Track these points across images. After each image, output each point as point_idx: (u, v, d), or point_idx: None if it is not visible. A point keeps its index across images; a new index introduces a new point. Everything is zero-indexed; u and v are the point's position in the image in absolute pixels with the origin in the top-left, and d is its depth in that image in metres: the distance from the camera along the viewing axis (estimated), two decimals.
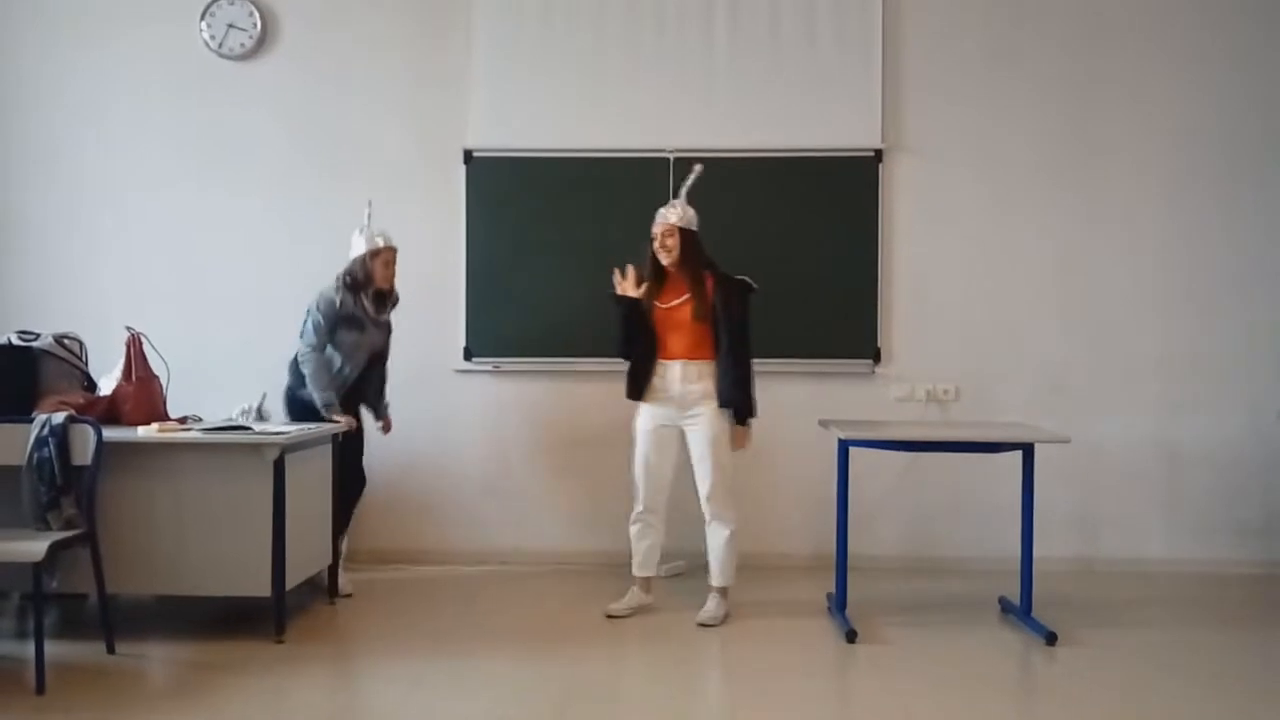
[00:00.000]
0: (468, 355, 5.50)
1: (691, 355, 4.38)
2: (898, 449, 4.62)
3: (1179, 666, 3.93)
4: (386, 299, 4.85)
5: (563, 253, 5.38)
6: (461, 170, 5.49)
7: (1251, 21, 5.41)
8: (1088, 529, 5.44)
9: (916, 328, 5.45)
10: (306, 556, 4.40)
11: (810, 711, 3.52)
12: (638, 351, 4.46)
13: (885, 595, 4.87)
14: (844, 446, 4.35)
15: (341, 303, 4.66)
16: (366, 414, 4.96)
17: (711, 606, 4.46)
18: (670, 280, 4.44)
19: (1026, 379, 5.43)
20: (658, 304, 4.43)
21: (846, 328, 5.38)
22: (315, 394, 4.62)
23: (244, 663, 3.84)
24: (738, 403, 4.35)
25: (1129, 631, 4.35)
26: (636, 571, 4.58)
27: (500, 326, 5.48)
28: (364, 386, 4.89)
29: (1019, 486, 4.44)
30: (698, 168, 4.57)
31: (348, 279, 4.70)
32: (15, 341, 4.37)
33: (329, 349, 4.69)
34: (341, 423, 4.62)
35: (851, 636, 4.14)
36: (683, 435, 4.46)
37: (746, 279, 4.41)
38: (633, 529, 4.56)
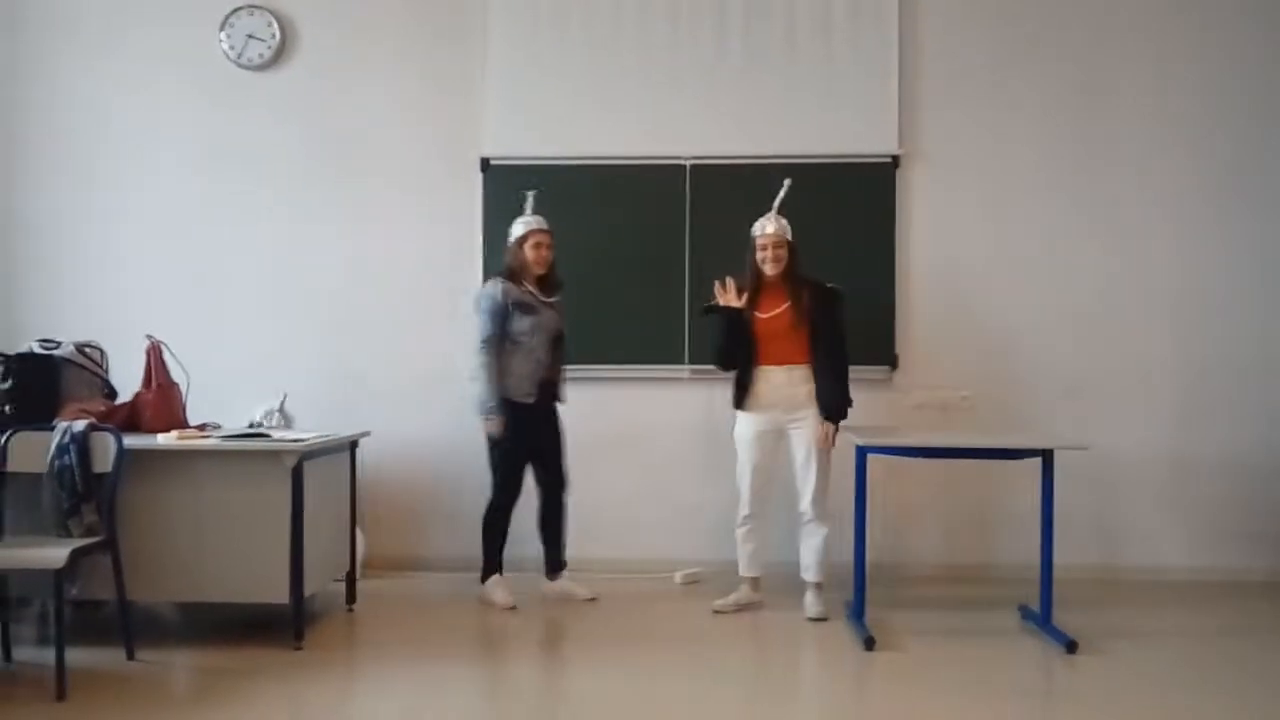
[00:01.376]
0: None
1: (794, 361, 4.60)
2: (916, 455, 4.59)
3: (1199, 675, 3.90)
4: (548, 281, 4.83)
5: (578, 260, 5.36)
6: (479, 178, 5.51)
7: (1266, 34, 5.39)
8: (1107, 536, 5.41)
9: (934, 334, 5.43)
10: (325, 563, 4.42)
11: (826, 719, 3.51)
12: (740, 361, 4.67)
13: (904, 602, 4.85)
14: (862, 453, 4.34)
15: (504, 292, 4.70)
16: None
17: (815, 601, 4.62)
18: (768, 290, 4.63)
19: (1044, 386, 5.41)
20: (758, 314, 4.61)
21: (864, 334, 5.32)
22: (481, 392, 4.67)
23: (263, 669, 3.85)
24: (835, 405, 4.55)
25: (1149, 639, 4.33)
26: (744, 572, 4.77)
27: None
28: (554, 376, 4.86)
29: (1038, 494, 4.42)
30: (787, 182, 4.74)
31: (505, 269, 4.76)
32: (37, 350, 4.40)
33: (510, 343, 4.70)
34: (492, 428, 4.67)
35: (870, 644, 4.12)
36: (782, 439, 4.64)
37: (836, 287, 4.63)
38: (739, 532, 4.74)
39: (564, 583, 4.90)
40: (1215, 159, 5.40)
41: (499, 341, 4.68)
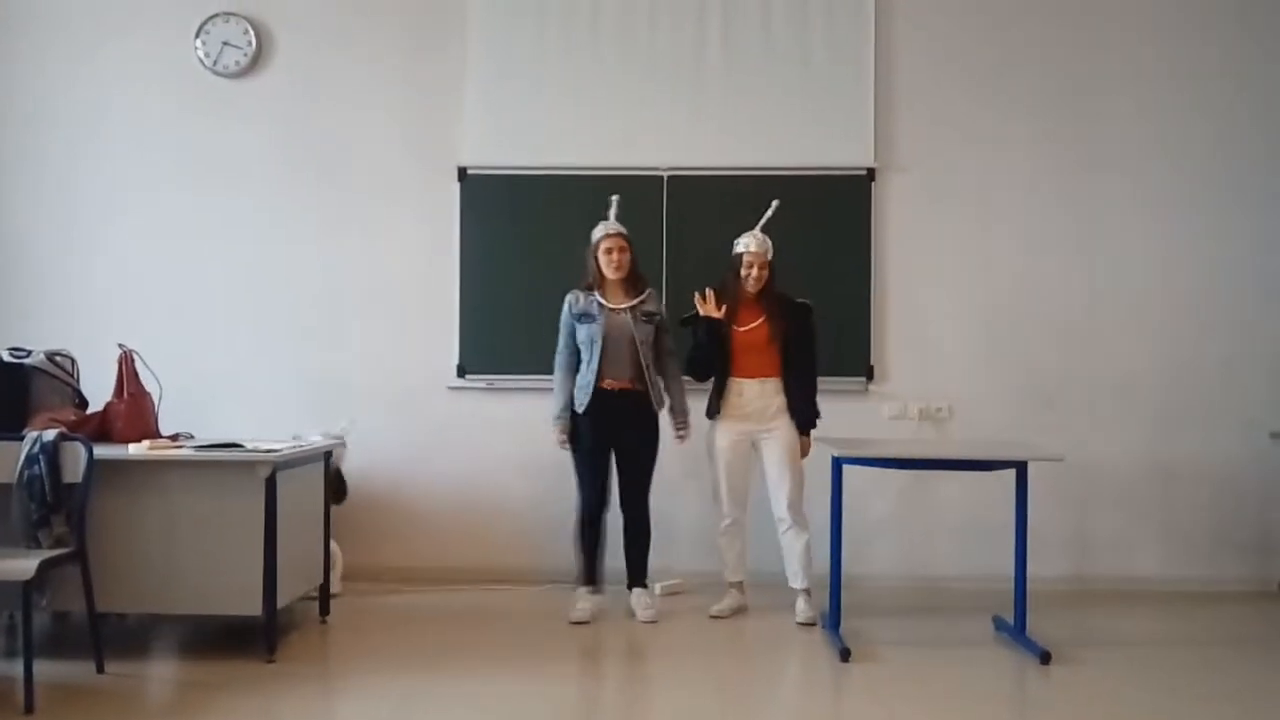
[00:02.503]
0: (461, 372, 5.50)
1: (766, 374, 4.73)
2: (891, 467, 4.63)
3: (1173, 685, 3.91)
4: (626, 287, 4.73)
5: (556, 270, 5.34)
6: (455, 187, 5.49)
7: (1248, 36, 5.45)
8: (1081, 547, 5.44)
9: (909, 345, 5.46)
10: (299, 575, 4.38)
11: None
12: (716, 371, 4.77)
13: (879, 614, 4.86)
14: (837, 464, 4.35)
15: (578, 299, 4.73)
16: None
17: (805, 606, 4.69)
18: (745, 304, 4.75)
19: (1020, 397, 5.44)
20: (736, 327, 4.71)
21: (839, 345, 5.37)
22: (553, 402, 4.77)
23: (234, 682, 3.81)
24: (807, 415, 4.71)
25: (1123, 650, 4.34)
26: (730, 577, 4.86)
27: (494, 344, 5.48)
28: (630, 385, 4.67)
29: (1012, 505, 4.43)
30: (775, 203, 4.85)
31: (585, 277, 4.76)
32: (7, 358, 4.35)
33: (581, 352, 4.71)
34: (557, 440, 4.73)
35: (845, 655, 4.12)
36: (755, 448, 4.76)
37: (807, 302, 4.77)
38: (721, 540, 4.84)
39: (632, 598, 4.79)
40: (1198, 167, 5.46)
41: (571, 352, 4.74)
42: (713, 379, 4.80)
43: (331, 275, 5.55)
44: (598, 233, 4.76)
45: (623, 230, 4.75)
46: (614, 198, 4.84)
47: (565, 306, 4.77)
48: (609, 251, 4.70)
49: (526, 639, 4.47)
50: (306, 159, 5.56)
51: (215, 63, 5.53)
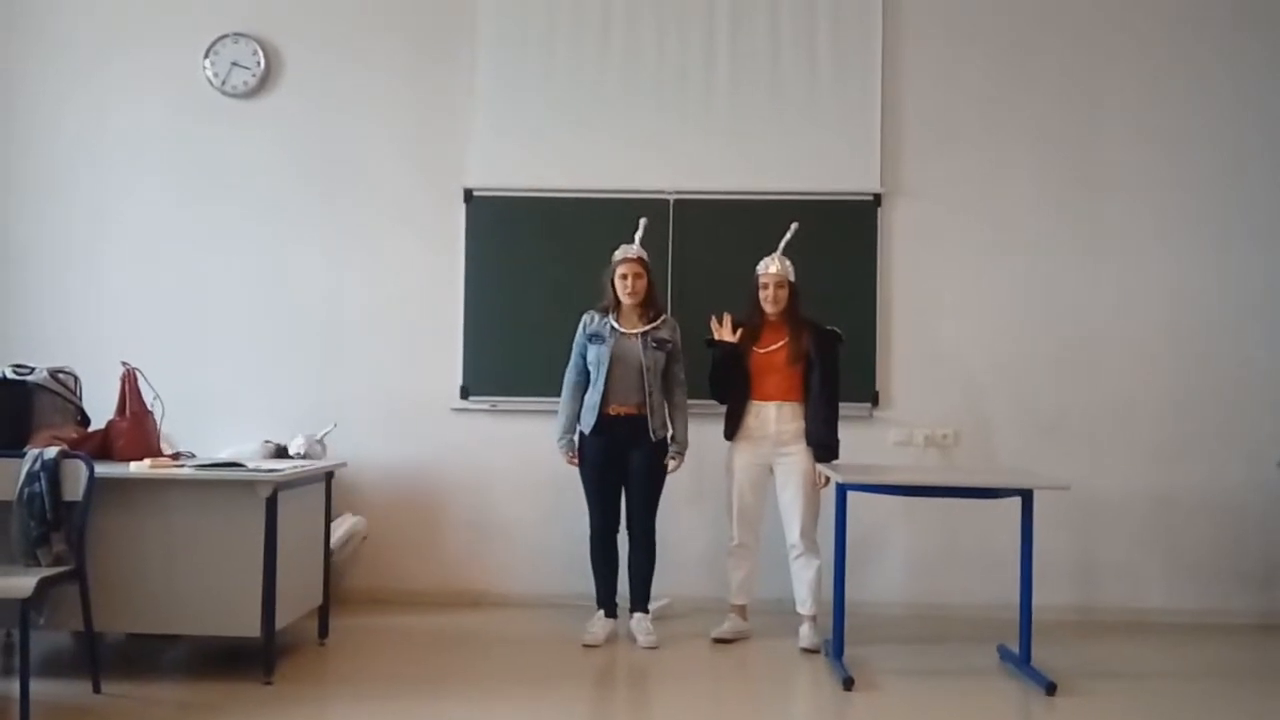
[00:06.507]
0: (465, 394, 5.48)
1: (786, 397, 4.71)
2: (896, 493, 4.60)
3: (1181, 717, 3.87)
4: (641, 312, 4.72)
5: (561, 292, 5.35)
6: (462, 209, 5.50)
7: (1260, 60, 5.44)
8: (1087, 577, 5.39)
9: (915, 371, 5.43)
10: (298, 596, 4.35)
11: None
12: (733, 394, 4.76)
13: (883, 641, 4.82)
14: (842, 490, 4.32)
15: (592, 319, 4.75)
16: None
17: (810, 633, 4.66)
18: (768, 327, 4.76)
19: (1026, 424, 5.41)
20: (756, 349, 4.71)
21: (845, 371, 5.33)
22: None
23: (231, 704, 3.78)
24: (826, 443, 4.63)
25: (1129, 681, 4.30)
26: (733, 600, 4.82)
27: (498, 365, 5.47)
28: (633, 411, 4.65)
29: (1018, 533, 4.40)
30: (794, 225, 4.89)
31: (602, 299, 4.77)
32: (9, 375, 4.34)
33: (590, 373, 4.72)
34: (566, 460, 4.77)
35: (849, 684, 4.08)
36: (770, 472, 4.76)
37: (836, 330, 4.75)
38: (729, 561, 4.82)
39: (633, 623, 4.74)
40: (1207, 195, 5.43)
41: (579, 372, 4.76)
42: (732, 401, 4.80)
43: (336, 296, 5.55)
44: (617, 256, 4.75)
45: (643, 255, 4.76)
46: (642, 220, 4.88)
47: (580, 326, 4.77)
48: (624, 277, 4.69)
49: (528, 663, 4.43)
50: (314, 180, 5.57)
51: (224, 83, 5.55)
